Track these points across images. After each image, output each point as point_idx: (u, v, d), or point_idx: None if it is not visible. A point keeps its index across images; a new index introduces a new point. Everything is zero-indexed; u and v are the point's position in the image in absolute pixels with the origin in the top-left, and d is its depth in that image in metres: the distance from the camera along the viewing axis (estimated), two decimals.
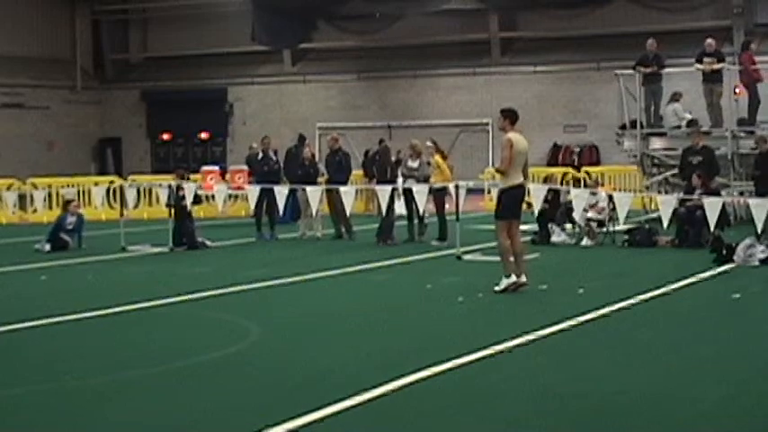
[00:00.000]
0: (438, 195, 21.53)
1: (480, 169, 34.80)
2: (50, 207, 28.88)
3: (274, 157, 24.60)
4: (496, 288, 14.12)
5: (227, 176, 29.02)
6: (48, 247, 20.91)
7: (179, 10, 47.48)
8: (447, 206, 22.00)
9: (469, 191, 21.57)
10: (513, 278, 14.17)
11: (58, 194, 29.52)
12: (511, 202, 14.37)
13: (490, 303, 13.61)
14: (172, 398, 8.79)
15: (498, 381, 9.25)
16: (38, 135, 46.66)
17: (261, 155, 24.61)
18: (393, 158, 24.51)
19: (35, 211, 29.14)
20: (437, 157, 22.03)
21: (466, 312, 13.02)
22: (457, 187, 19.79)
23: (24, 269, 18.23)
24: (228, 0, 45.95)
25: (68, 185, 30.68)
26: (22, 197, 29.87)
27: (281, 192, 22.07)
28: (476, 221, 25.47)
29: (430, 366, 9.47)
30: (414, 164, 22.04)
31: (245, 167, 27.20)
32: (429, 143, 22.40)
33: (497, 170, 14.49)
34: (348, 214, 22.10)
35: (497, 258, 17.73)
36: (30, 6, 47.11)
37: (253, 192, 22.24)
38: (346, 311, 13.29)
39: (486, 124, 42.61)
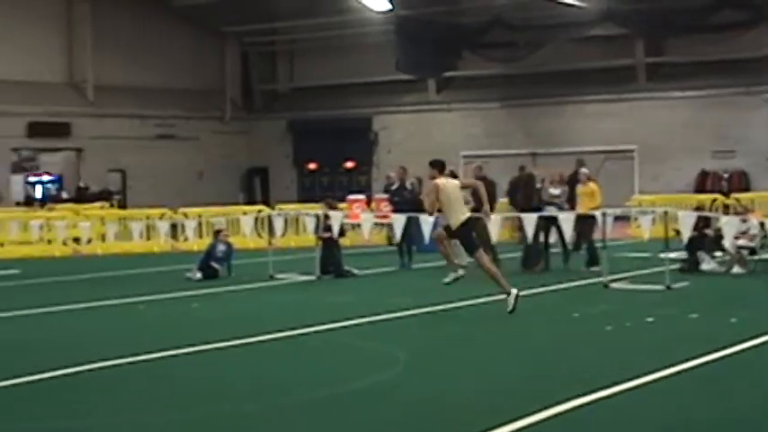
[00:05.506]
0: (587, 222, 21.37)
1: (626, 196, 34.35)
2: (201, 236, 29.57)
3: (409, 187, 24.63)
4: (446, 280, 15.98)
5: (373, 205, 29.26)
6: (199, 275, 21.38)
7: (324, 41, 48.11)
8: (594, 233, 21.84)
9: (616, 218, 21.35)
10: (461, 272, 15.95)
11: (208, 223, 30.24)
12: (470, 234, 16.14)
13: (639, 333, 13.42)
14: (322, 426, 8.88)
15: (648, 412, 9.11)
16: (188, 165, 47.78)
17: (397, 185, 24.63)
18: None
19: (186, 239, 29.88)
20: (592, 184, 21.98)
21: (615, 341, 12.88)
22: (604, 215, 19.59)
23: (177, 297, 18.69)
24: (373, 30, 46.31)
25: (218, 215, 31.43)
26: (173, 226, 30.71)
27: (426, 221, 22.07)
28: (623, 249, 25.16)
29: (580, 396, 9.39)
30: (556, 191, 21.97)
31: None
32: (585, 170, 22.43)
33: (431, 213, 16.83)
34: (493, 242, 22.02)
35: (646, 287, 17.51)
36: (182, 41, 48.41)
37: (399, 220, 22.24)
38: (493, 339, 13.28)
39: (632, 151, 42.12)
